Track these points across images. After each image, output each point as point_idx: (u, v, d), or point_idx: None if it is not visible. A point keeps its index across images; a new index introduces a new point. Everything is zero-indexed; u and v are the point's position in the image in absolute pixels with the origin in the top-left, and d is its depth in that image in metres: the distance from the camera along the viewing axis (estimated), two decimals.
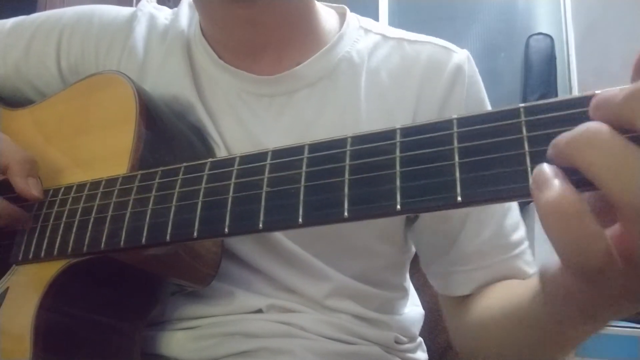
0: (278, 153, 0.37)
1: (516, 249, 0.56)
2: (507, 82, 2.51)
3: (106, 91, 0.53)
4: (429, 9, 2.68)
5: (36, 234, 0.47)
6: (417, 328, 0.67)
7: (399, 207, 0.30)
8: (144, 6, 0.66)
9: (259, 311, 0.56)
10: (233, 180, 0.38)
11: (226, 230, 0.36)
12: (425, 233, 0.59)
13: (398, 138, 0.32)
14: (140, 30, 0.64)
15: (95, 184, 0.46)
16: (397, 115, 0.56)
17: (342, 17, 0.63)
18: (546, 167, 0.25)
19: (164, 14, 0.66)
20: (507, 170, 0.28)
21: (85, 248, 0.43)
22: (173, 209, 0.39)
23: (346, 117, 0.56)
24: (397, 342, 0.62)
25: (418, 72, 0.57)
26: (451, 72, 0.57)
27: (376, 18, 1.93)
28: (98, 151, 0.50)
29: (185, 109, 0.58)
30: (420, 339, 0.68)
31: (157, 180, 0.42)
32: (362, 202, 0.31)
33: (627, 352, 1.36)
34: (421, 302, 0.71)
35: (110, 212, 0.43)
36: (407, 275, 0.68)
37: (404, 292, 0.66)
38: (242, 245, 0.56)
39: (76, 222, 0.45)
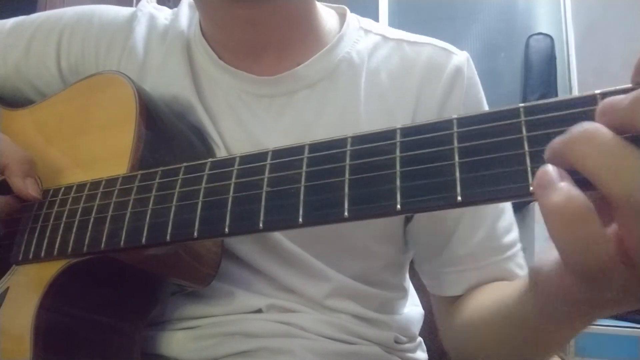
0: (278, 153, 0.37)
1: (508, 252, 0.56)
2: (507, 82, 2.50)
3: (106, 91, 0.53)
4: (429, 9, 2.68)
5: (36, 234, 0.47)
6: (417, 328, 0.67)
7: (399, 207, 0.30)
8: (144, 6, 0.67)
9: (259, 311, 0.56)
10: (233, 180, 0.38)
11: (226, 230, 0.36)
12: (419, 233, 0.59)
13: (398, 138, 0.32)
14: (140, 30, 0.64)
15: (95, 184, 0.46)
16: (397, 116, 0.56)
17: (342, 18, 0.63)
18: (550, 168, 0.25)
19: (163, 14, 0.66)
20: (507, 170, 0.28)
21: (85, 248, 0.43)
22: (173, 209, 0.39)
23: (346, 118, 0.56)
24: (397, 341, 0.62)
25: (417, 74, 0.58)
26: (450, 74, 0.57)
27: (376, 18, 1.93)
28: (98, 151, 0.50)
29: (185, 109, 0.58)
30: (420, 339, 0.69)
31: (157, 180, 0.42)
32: (362, 202, 0.31)
33: (627, 352, 1.36)
34: (421, 302, 0.71)
35: (110, 212, 0.43)
36: (407, 276, 0.68)
37: (404, 292, 0.66)
38: (242, 245, 0.56)
39: (76, 222, 0.45)
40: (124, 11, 0.67)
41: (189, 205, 0.39)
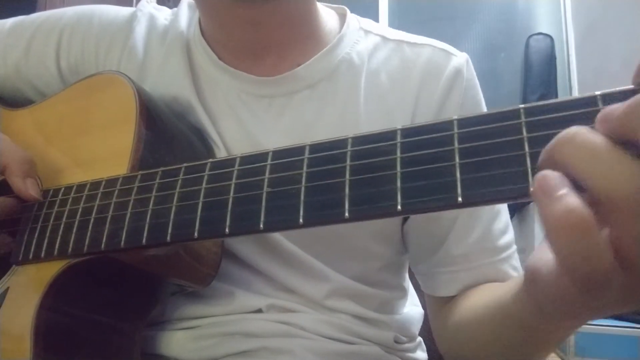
0: (279, 154, 0.37)
1: (503, 253, 0.56)
2: (507, 82, 2.51)
3: (106, 91, 0.53)
4: (429, 9, 2.68)
5: (36, 234, 0.47)
6: (416, 328, 0.67)
7: (399, 207, 0.30)
8: (144, 6, 0.66)
9: (259, 311, 0.56)
10: (234, 180, 0.38)
11: (227, 230, 0.36)
12: (415, 233, 0.59)
13: (399, 139, 0.32)
14: (140, 30, 0.64)
15: (96, 184, 0.46)
16: (396, 117, 0.57)
17: (342, 18, 0.63)
18: (549, 174, 0.25)
19: (163, 14, 0.66)
20: (508, 171, 0.28)
21: (85, 248, 0.43)
22: (173, 209, 0.39)
23: (346, 119, 0.56)
24: (397, 341, 0.62)
25: (417, 75, 0.58)
26: (449, 75, 0.57)
27: (376, 18, 1.93)
28: (98, 151, 0.50)
29: (184, 109, 0.58)
30: (419, 339, 0.69)
31: (157, 181, 0.42)
32: (362, 202, 0.31)
33: (627, 352, 1.36)
34: (421, 302, 0.71)
35: (110, 213, 0.43)
36: (406, 276, 0.68)
37: (403, 292, 0.66)
38: (242, 245, 0.56)
39: (76, 223, 0.45)
40: (123, 11, 0.67)
41: (189, 205, 0.39)
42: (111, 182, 0.45)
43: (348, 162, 0.33)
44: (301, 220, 0.33)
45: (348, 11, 0.64)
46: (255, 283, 0.57)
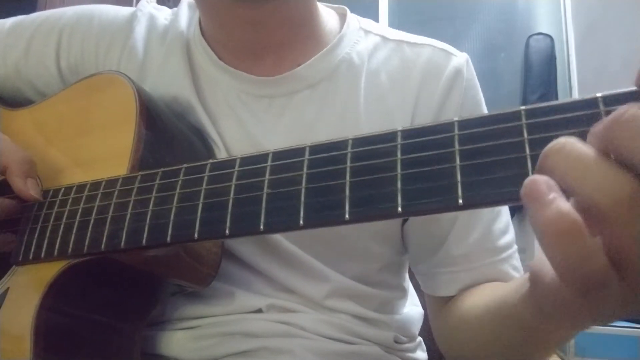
0: (279, 155, 0.37)
1: (503, 253, 0.56)
2: (507, 82, 2.51)
3: (106, 91, 0.53)
4: (429, 9, 2.68)
5: (36, 235, 0.47)
6: (416, 328, 0.67)
7: (400, 209, 0.30)
8: (144, 6, 0.66)
9: (259, 311, 0.56)
10: (234, 181, 0.37)
11: (227, 232, 0.36)
12: (415, 234, 0.59)
13: (399, 140, 0.32)
14: (140, 30, 0.64)
15: (96, 185, 0.46)
16: (396, 117, 0.57)
17: (343, 18, 0.63)
18: (539, 179, 0.25)
19: (163, 14, 0.66)
20: (509, 174, 0.28)
21: (85, 249, 0.43)
22: (174, 210, 0.39)
23: (346, 119, 0.56)
24: (397, 341, 0.62)
25: (417, 75, 0.58)
26: (449, 75, 0.57)
27: (376, 18, 1.93)
28: (98, 151, 0.50)
29: (185, 109, 0.58)
30: (420, 339, 0.69)
31: (157, 182, 0.42)
32: (363, 204, 0.31)
33: (627, 352, 1.36)
34: (421, 302, 0.71)
35: (110, 213, 0.43)
36: (406, 276, 0.68)
37: (403, 292, 0.66)
38: (242, 246, 0.56)
39: (76, 223, 0.45)
40: (123, 11, 0.67)
41: (189, 206, 0.39)
42: (111, 182, 0.45)
43: (348, 163, 0.33)
44: (301, 222, 0.33)
45: (348, 11, 0.64)
46: (255, 283, 0.57)
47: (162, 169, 0.43)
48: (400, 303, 0.66)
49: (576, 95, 2.41)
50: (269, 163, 0.37)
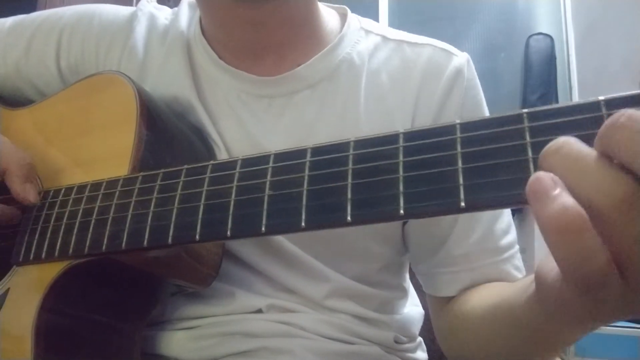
0: (280, 156, 0.37)
1: (505, 253, 0.56)
2: (507, 82, 2.50)
3: (107, 91, 0.53)
4: (429, 9, 2.68)
5: (37, 235, 0.47)
6: (417, 328, 0.67)
7: (402, 212, 0.30)
8: (144, 6, 0.66)
9: (259, 311, 0.56)
10: (235, 183, 0.37)
11: (228, 233, 0.36)
12: (416, 234, 0.59)
13: (401, 142, 0.32)
14: (141, 30, 0.64)
15: (97, 186, 0.46)
16: (397, 117, 0.57)
17: (343, 18, 0.63)
18: (543, 175, 0.25)
19: (164, 14, 0.66)
20: (511, 177, 0.28)
21: (86, 250, 0.43)
22: (175, 211, 0.39)
23: (346, 119, 0.56)
24: (397, 341, 0.62)
25: (417, 75, 0.58)
26: (450, 75, 0.57)
27: (376, 18, 1.93)
28: (98, 152, 0.50)
29: (185, 109, 0.58)
30: (420, 339, 0.69)
31: (158, 183, 0.42)
32: (365, 206, 0.31)
33: (627, 352, 1.36)
34: (421, 302, 0.71)
35: (111, 214, 0.43)
36: (407, 276, 0.68)
37: (404, 292, 0.66)
38: (243, 246, 0.56)
39: (77, 224, 0.45)
40: (124, 11, 0.67)
41: (190, 207, 0.39)
42: (112, 183, 0.45)
43: (350, 165, 0.33)
44: (303, 224, 0.33)
45: (349, 11, 0.64)
46: (255, 283, 0.57)
47: (163, 170, 0.43)
48: (400, 303, 0.66)
49: (576, 95, 2.42)
50: (271, 164, 0.37)
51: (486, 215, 0.56)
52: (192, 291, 0.56)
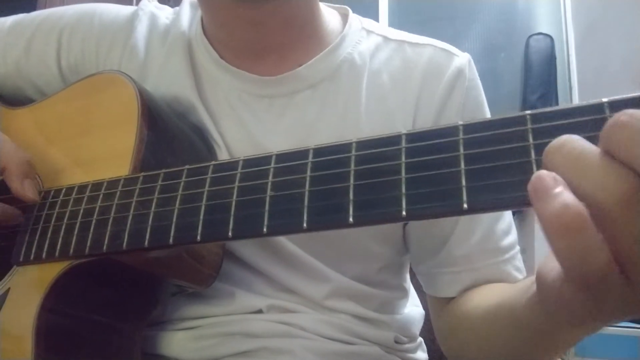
0: (282, 157, 0.37)
1: (506, 254, 0.56)
2: (507, 82, 2.50)
3: (107, 91, 0.53)
4: (429, 9, 2.68)
5: (37, 235, 0.47)
6: (417, 328, 0.67)
7: (404, 213, 0.30)
8: (145, 5, 0.66)
9: (260, 311, 0.56)
10: (237, 183, 0.37)
11: (230, 234, 0.36)
12: (416, 234, 0.59)
13: (403, 144, 0.32)
14: (142, 29, 0.63)
15: (97, 186, 0.46)
16: (398, 117, 0.56)
17: (345, 18, 0.63)
18: (544, 173, 0.25)
19: (165, 14, 0.66)
20: (514, 179, 0.27)
21: (87, 250, 0.43)
22: (176, 212, 0.39)
23: (347, 119, 0.56)
24: (397, 342, 0.62)
25: (418, 75, 0.58)
26: (451, 75, 0.57)
27: (376, 18, 1.93)
28: (99, 152, 0.50)
29: (186, 109, 0.58)
30: (420, 339, 0.69)
31: (159, 183, 0.42)
32: (367, 207, 0.31)
33: (627, 352, 1.36)
34: (421, 302, 0.71)
35: (112, 214, 0.43)
36: (407, 276, 0.68)
37: (404, 293, 0.66)
38: (243, 246, 0.56)
39: (78, 224, 0.45)
40: (125, 10, 0.66)
41: (192, 208, 0.39)
42: (113, 183, 0.45)
43: (352, 166, 0.33)
44: (305, 225, 0.33)
45: (350, 11, 0.64)
46: (255, 283, 0.57)
47: (165, 170, 0.42)
48: (400, 303, 0.66)
49: (576, 95, 2.42)
50: (272, 165, 0.36)
51: (487, 215, 0.56)
52: (192, 291, 0.56)
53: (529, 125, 0.28)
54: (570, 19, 2.52)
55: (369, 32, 0.62)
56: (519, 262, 0.57)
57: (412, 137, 0.32)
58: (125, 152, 0.47)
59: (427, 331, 0.70)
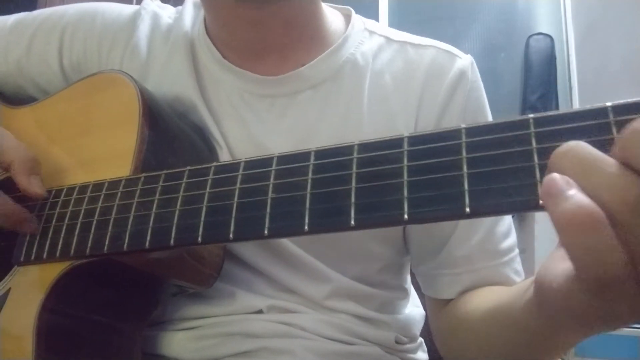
0: (284, 159, 0.36)
1: (505, 257, 0.56)
2: (507, 82, 2.50)
3: (109, 91, 0.53)
4: (429, 9, 2.67)
5: (38, 235, 0.47)
6: (417, 328, 0.67)
7: (406, 216, 0.30)
8: (148, 4, 0.66)
9: (260, 312, 0.56)
10: (238, 185, 0.37)
11: (231, 236, 0.36)
12: (417, 235, 0.59)
13: (406, 146, 0.32)
14: (144, 29, 0.63)
15: (98, 186, 0.46)
16: (400, 118, 0.56)
17: (347, 19, 0.63)
18: (558, 177, 0.25)
19: (167, 13, 0.66)
20: (517, 183, 0.27)
21: (88, 250, 0.43)
22: (177, 213, 0.39)
23: (349, 120, 0.56)
24: (398, 342, 0.62)
25: (421, 76, 0.58)
26: (454, 77, 0.57)
27: (376, 18, 1.92)
28: (100, 152, 0.50)
29: (187, 109, 0.58)
30: (421, 340, 0.69)
31: (160, 184, 0.42)
32: (369, 210, 0.31)
33: (627, 352, 1.36)
34: (422, 302, 0.71)
35: (113, 215, 0.43)
36: (408, 277, 0.68)
37: (405, 293, 0.66)
38: (244, 247, 0.56)
39: (79, 224, 0.45)
40: (127, 9, 0.66)
41: (193, 210, 0.38)
42: (114, 184, 0.45)
43: (354, 169, 0.33)
44: (306, 228, 0.33)
45: (353, 12, 0.64)
46: (256, 284, 0.57)
47: (166, 171, 0.42)
48: (401, 303, 0.66)
49: (576, 95, 2.42)
50: (274, 167, 0.36)
51: (488, 218, 0.56)
52: (193, 292, 0.56)
53: (532, 129, 0.28)
54: (570, 19, 2.51)
55: (371, 32, 0.62)
56: (518, 265, 0.57)
57: (415, 140, 0.32)
58: (126, 152, 0.47)
59: (428, 332, 0.70)
